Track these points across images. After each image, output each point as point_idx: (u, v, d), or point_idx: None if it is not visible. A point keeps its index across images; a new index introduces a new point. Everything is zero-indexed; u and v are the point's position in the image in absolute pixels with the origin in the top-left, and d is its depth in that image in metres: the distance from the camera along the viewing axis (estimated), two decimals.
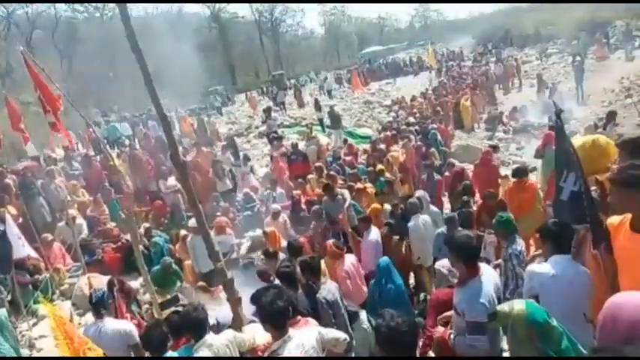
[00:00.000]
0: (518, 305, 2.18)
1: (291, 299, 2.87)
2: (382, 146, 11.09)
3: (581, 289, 2.73)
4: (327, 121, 17.64)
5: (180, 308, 4.27)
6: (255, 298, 2.77)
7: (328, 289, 3.75)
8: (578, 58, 20.18)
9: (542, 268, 2.89)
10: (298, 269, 4.10)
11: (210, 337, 2.93)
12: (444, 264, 3.79)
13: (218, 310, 4.24)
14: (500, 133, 15.52)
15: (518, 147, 13.96)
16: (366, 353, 3.72)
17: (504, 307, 2.24)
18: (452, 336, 2.95)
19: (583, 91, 17.60)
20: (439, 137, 11.95)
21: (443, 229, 5.56)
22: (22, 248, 5.78)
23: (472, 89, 19.74)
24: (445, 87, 21.53)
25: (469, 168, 9.68)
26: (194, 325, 2.97)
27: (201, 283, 6.06)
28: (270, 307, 2.63)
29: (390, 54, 47.44)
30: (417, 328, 2.32)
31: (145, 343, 3.18)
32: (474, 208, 6.54)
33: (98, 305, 3.82)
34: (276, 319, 2.66)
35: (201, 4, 49.12)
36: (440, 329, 3.14)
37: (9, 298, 6.04)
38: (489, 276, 2.91)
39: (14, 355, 3.83)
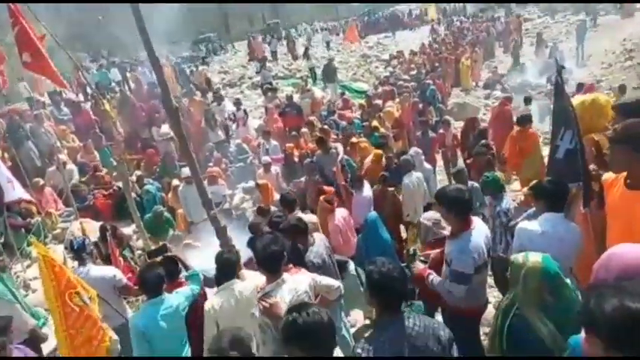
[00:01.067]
0: (533, 257, 2.15)
1: (286, 245, 2.90)
2: (378, 102, 10.93)
3: (572, 246, 2.76)
4: (319, 73, 17.31)
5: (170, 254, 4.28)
6: (250, 243, 2.80)
7: (316, 252, 3.57)
8: (583, 16, 19.47)
9: (532, 225, 2.90)
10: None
11: (237, 282, 2.98)
12: (428, 217, 3.81)
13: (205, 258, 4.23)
14: (497, 92, 15.33)
15: (515, 106, 13.82)
16: (356, 299, 3.82)
17: (518, 257, 2.20)
18: (430, 276, 3.03)
19: (584, 52, 17.29)
20: (437, 94, 11.81)
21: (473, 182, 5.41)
22: (12, 192, 5.73)
23: (472, 46, 19.30)
24: (445, 43, 20.99)
25: None
26: (223, 266, 3.04)
27: (186, 241, 6.12)
28: (265, 251, 2.66)
29: (390, 5, 45.57)
30: (406, 276, 2.37)
31: (140, 285, 3.24)
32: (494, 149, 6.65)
33: (80, 251, 3.89)
34: (271, 263, 2.70)
35: None
36: (420, 265, 3.21)
37: (2, 240, 6.09)
38: (481, 230, 2.94)
39: (10, 296, 3.88)
